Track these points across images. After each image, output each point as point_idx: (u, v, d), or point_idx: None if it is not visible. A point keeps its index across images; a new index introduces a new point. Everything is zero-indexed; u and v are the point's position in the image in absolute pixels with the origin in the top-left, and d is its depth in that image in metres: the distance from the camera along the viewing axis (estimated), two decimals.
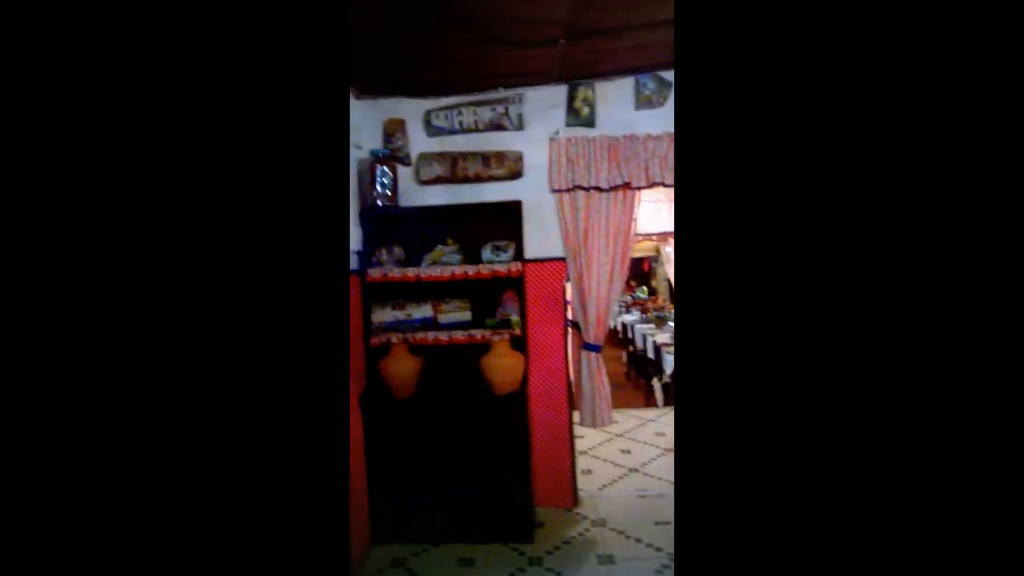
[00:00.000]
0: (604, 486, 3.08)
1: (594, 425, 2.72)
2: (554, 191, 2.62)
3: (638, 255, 7.18)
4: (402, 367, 2.49)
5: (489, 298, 2.61)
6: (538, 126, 2.63)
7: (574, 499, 2.83)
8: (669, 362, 4.27)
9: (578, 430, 2.87)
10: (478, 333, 2.49)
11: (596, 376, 2.69)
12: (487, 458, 2.47)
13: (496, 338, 2.47)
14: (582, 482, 3.01)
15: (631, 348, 5.73)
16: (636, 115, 2.58)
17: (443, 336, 2.50)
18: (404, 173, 2.67)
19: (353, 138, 2.51)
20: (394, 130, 2.64)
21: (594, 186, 2.56)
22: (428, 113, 2.64)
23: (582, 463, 3.29)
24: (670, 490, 2.93)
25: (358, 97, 2.59)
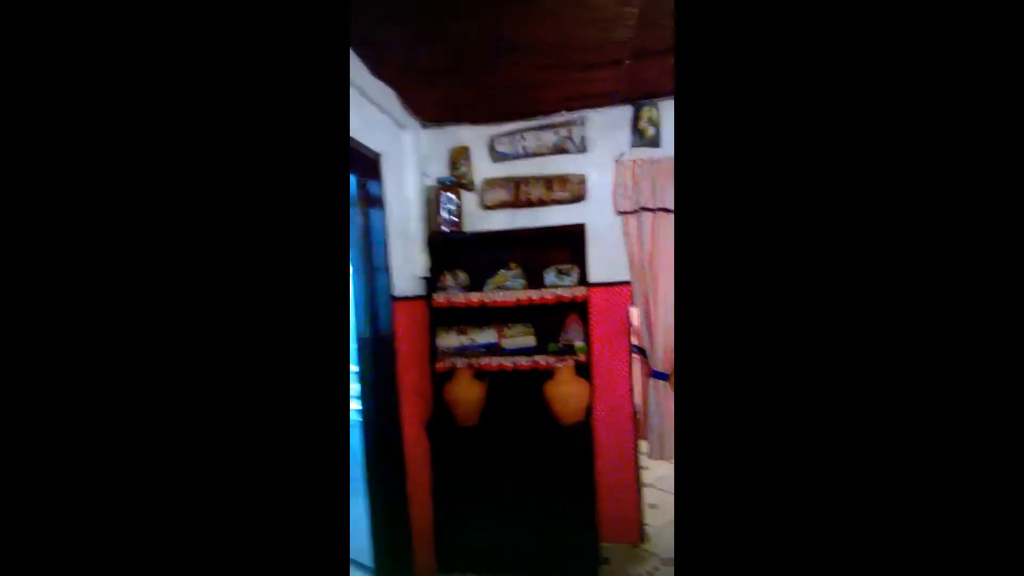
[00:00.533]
0: (672, 522, 2.92)
1: (662, 457, 2.59)
2: (619, 213, 2.56)
3: None
4: (466, 393, 2.47)
5: (552, 323, 2.57)
6: (601, 148, 2.59)
7: (640, 535, 2.69)
8: None
9: (642, 460, 2.74)
10: (542, 359, 2.44)
11: (664, 405, 2.57)
12: (550, 490, 2.40)
13: (560, 364, 2.42)
14: (648, 516, 2.87)
15: None
16: None
17: (507, 362, 2.47)
18: (469, 199, 2.70)
19: (420, 167, 2.57)
20: (459, 157, 2.68)
21: (661, 207, 2.48)
22: (492, 139, 2.66)
23: (648, 496, 3.14)
24: None
25: (425, 126, 2.66)
